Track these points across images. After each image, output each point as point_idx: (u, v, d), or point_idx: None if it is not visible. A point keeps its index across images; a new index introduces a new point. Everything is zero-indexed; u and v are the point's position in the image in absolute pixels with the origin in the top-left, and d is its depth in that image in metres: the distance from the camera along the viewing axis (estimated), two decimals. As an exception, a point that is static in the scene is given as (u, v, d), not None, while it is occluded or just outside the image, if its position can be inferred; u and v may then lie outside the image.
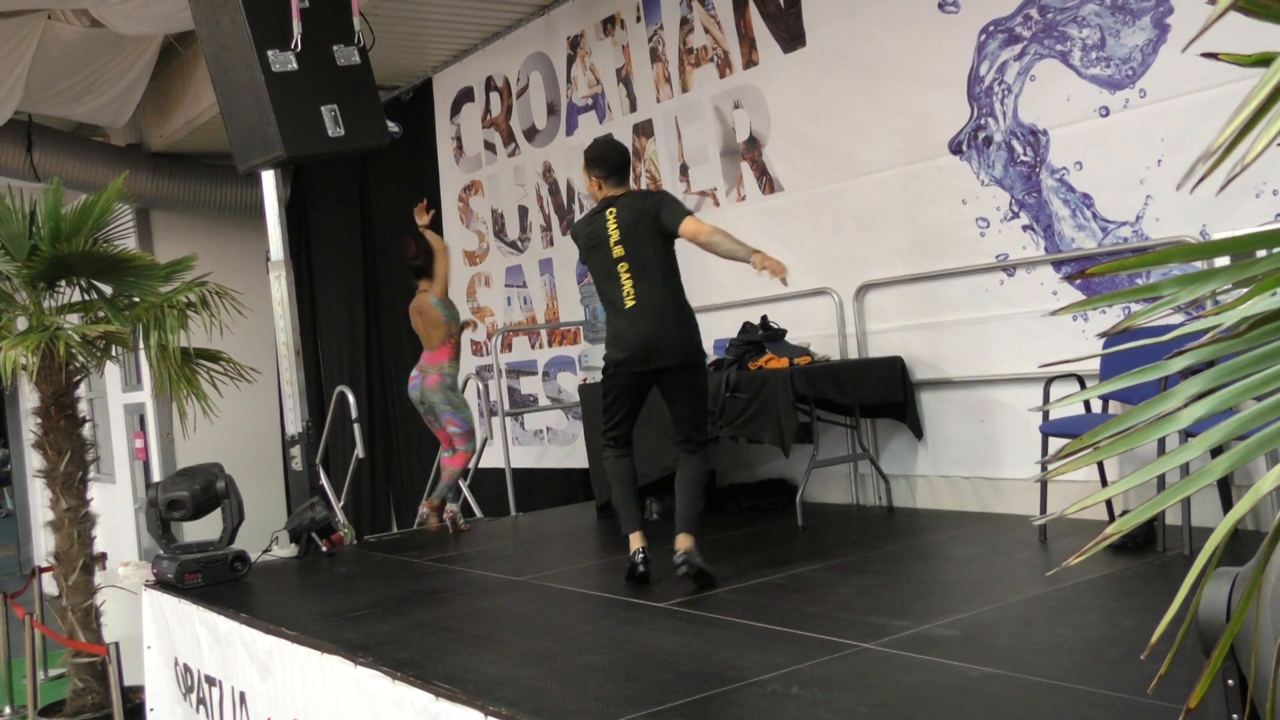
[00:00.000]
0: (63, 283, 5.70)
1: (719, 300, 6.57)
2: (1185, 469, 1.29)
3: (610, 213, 4.38)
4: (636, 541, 4.38)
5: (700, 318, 6.74)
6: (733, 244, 4.24)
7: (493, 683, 3.17)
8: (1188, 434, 1.18)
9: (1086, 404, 4.57)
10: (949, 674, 2.89)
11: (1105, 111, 4.68)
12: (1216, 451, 1.08)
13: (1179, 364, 0.94)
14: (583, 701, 2.94)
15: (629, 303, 4.31)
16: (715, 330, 6.56)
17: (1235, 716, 1.60)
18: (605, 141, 4.78)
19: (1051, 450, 4.48)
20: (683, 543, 4.21)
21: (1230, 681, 1.60)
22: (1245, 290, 0.95)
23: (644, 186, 7.11)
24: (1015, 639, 3.19)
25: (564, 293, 7.85)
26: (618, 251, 4.33)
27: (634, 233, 4.32)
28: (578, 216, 7.69)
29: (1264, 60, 0.80)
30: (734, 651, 3.29)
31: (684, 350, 4.31)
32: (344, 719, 3.63)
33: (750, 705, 2.77)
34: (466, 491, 7.92)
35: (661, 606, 3.95)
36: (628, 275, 4.32)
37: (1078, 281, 4.81)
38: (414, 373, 6.32)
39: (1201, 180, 0.78)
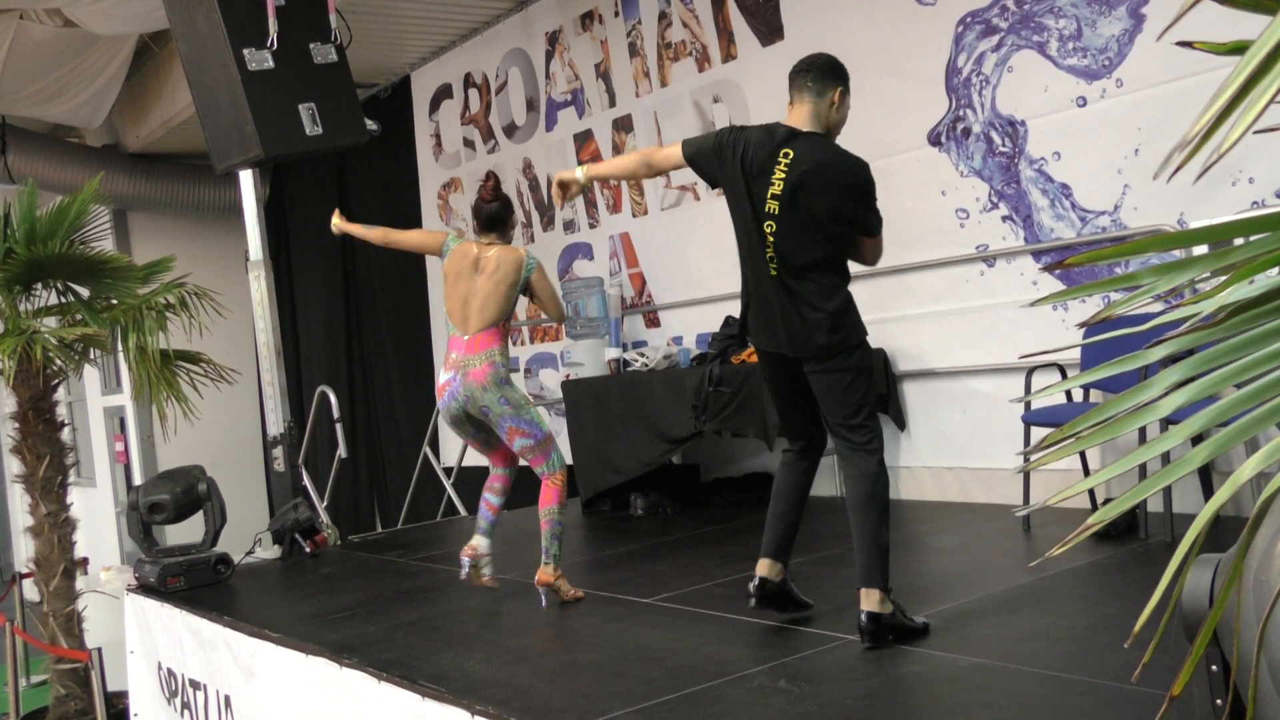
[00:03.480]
0: (39, 286, 5.65)
1: (701, 294, 6.58)
2: (1166, 457, 1.29)
3: (785, 155, 3.26)
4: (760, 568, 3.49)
5: (682, 312, 6.82)
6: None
7: (479, 682, 3.16)
8: (1168, 422, 1.19)
9: (1068, 393, 4.58)
10: (935, 664, 2.90)
11: (1083, 102, 4.69)
12: (1197, 439, 1.08)
13: (1159, 353, 0.94)
14: (569, 699, 2.94)
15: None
16: (698, 325, 6.56)
17: (1219, 702, 1.61)
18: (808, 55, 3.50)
19: (1034, 440, 4.50)
20: (863, 599, 3.20)
21: (1214, 667, 1.60)
22: (1224, 279, 0.96)
23: (624, 183, 7.10)
24: (1000, 628, 3.20)
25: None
26: (772, 208, 3.26)
27: (800, 200, 3.25)
28: (558, 213, 7.68)
29: (1238, 49, 0.80)
30: (720, 646, 3.29)
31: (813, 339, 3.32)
32: (330, 720, 3.61)
33: (737, 699, 2.77)
34: (451, 490, 7.91)
35: (647, 602, 3.95)
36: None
37: (1057, 271, 4.83)
38: (447, 374, 4.24)
39: (1178, 170, 0.78)
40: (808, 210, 3.24)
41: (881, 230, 3.43)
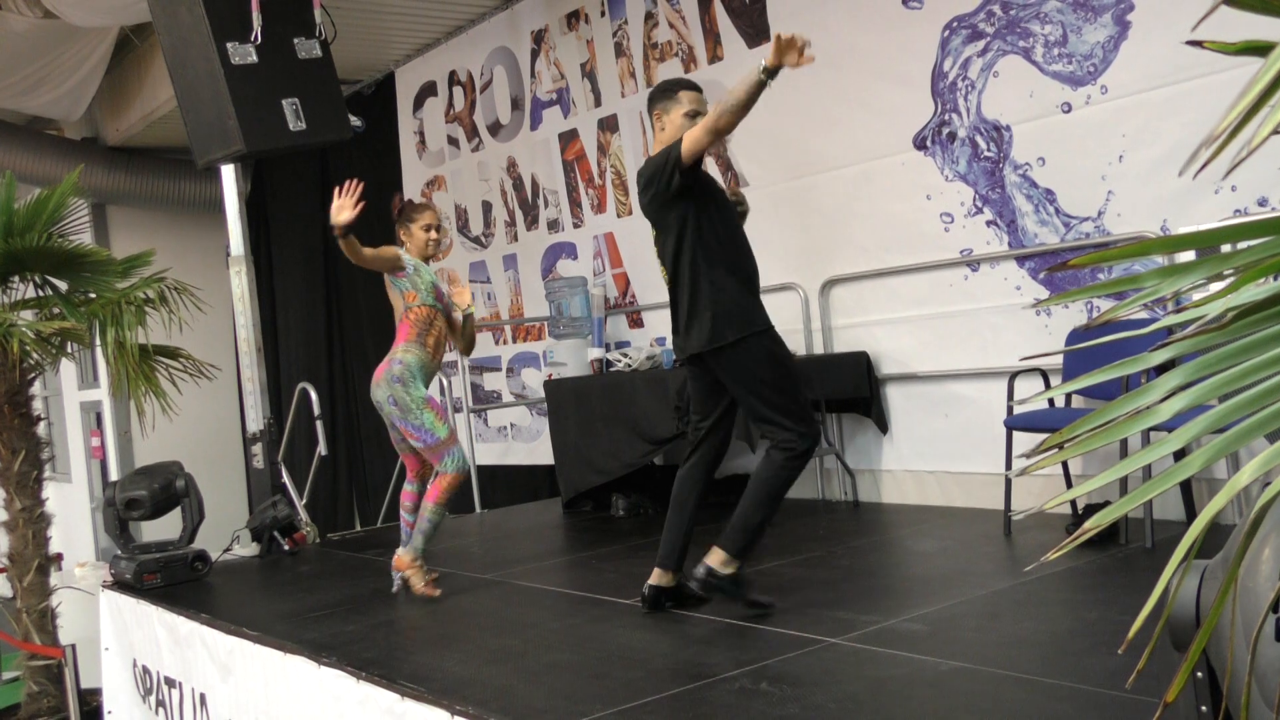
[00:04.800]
0: (16, 278, 5.59)
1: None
2: (1149, 468, 1.30)
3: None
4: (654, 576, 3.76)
5: (666, 313, 6.75)
6: (740, 91, 3.40)
7: (459, 682, 3.14)
8: (1163, 429, 1.18)
9: (1050, 398, 4.60)
10: (916, 668, 2.90)
11: (1067, 107, 4.71)
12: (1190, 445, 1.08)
13: (1160, 356, 0.93)
14: (550, 700, 2.92)
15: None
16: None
17: (1204, 709, 1.61)
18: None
19: (1017, 444, 4.51)
20: (709, 554, 3.54)
21: (1200, 674, 1.60)
22: (1223, 284, 0.95)
23: (608, 182, 7.09)
24: (982, 632, 3.20)
25: (528, 288, 7.80)
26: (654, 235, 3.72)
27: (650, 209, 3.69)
28: (542, 212, 7.66)
29: (1250, 48, 0.80)
30: (702, 648, 3.28)
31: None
32: (307, 720, 3.58)
33: (719, 702, 2.76)
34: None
35: (629, 603, 3.94)
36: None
37: (1042, 276, 4.85)
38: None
39: (1205, 166, 0.77)
40: (650, 207, 3.66)
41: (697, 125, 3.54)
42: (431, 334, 4.42)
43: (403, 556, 4.33)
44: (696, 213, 3.58)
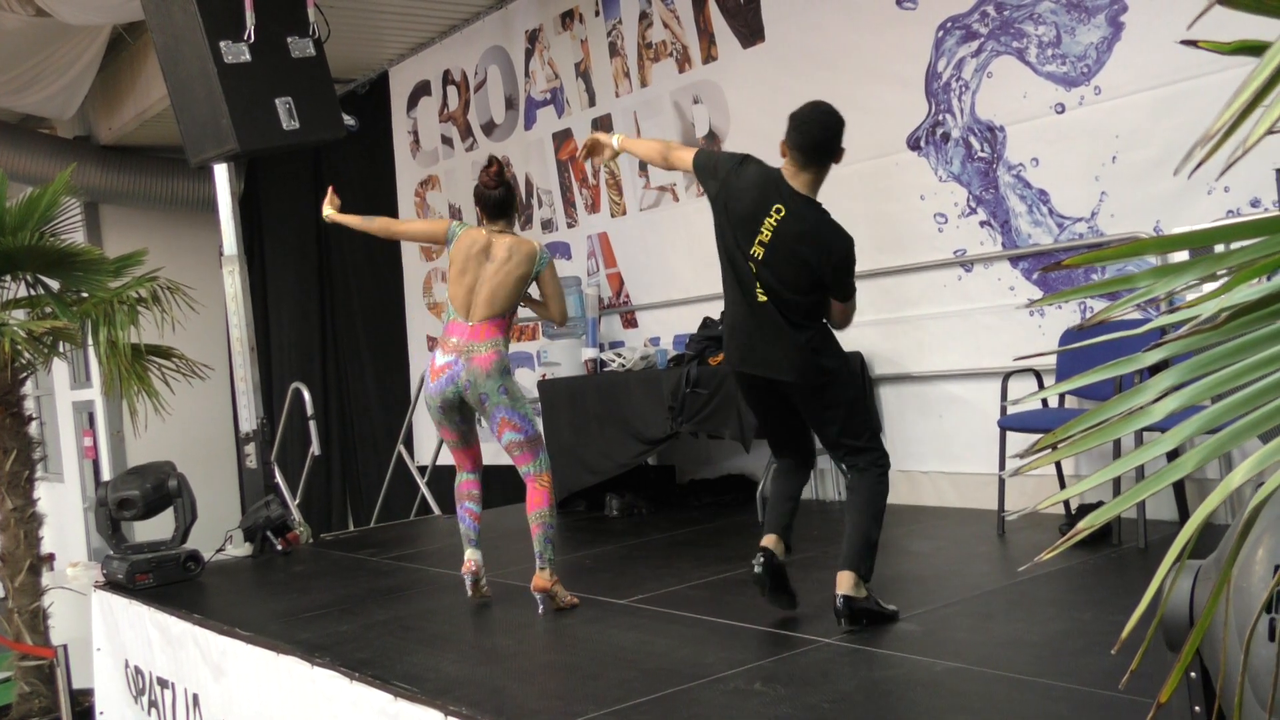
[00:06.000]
0: (8, 278, 5.57)
1: (679, 296, 6.57)
2: (1143, 466, 1.30)
3: (777, 210, 3.37)
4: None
5: (660, 313, 6.80)
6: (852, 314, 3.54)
7: (452, 682, 3.13)
8: (1157, 429, 1.18)
9: (1044, 399, 4.60)
10: (910, 669, 2.90)
11: (1061, 108, 4.71)
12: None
13: (1154, 357, 0.93)
14: (544, 700, 2.92)
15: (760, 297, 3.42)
16: (676, 326, 6.55)
17: (1198, 709, 1.61)
18: (814, 111, 3.55)
19: (1010, 444, 4.51)
20: (838, 583, 3.36)
21: (1193, 674, 1.60)
22: (1216, 284, 0.95)
23: (602, 183, 7.09)
24: (975, 633, 3.20)
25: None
26: (757, 252, 3.39)
27: (782, 253, 3.38)
28: (536, 212, 7.65)
29: (1245, 48, 0.79)
30: (696, 648, 3.28)
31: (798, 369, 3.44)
32: (300, 720, 3.57)
33: (712, 702, 2.76)
34: (425, 489, 7.86)
35: (623, 604, 3.93)
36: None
37: (1035, 277, 4.85)
38: (446, 357, 4.05)
39: (1199, 166, 0.77)
40: (789, 259, 3.35)
41: (854, 298, 3.54)
42: (514, 327, 4.21)
43: (543, 576, 3.91)
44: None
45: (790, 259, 3.34)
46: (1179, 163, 0.80)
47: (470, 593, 4.10)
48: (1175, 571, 1.02)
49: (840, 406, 3.44)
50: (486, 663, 3.36)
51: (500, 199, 4.19)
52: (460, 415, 4.12)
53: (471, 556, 4.10)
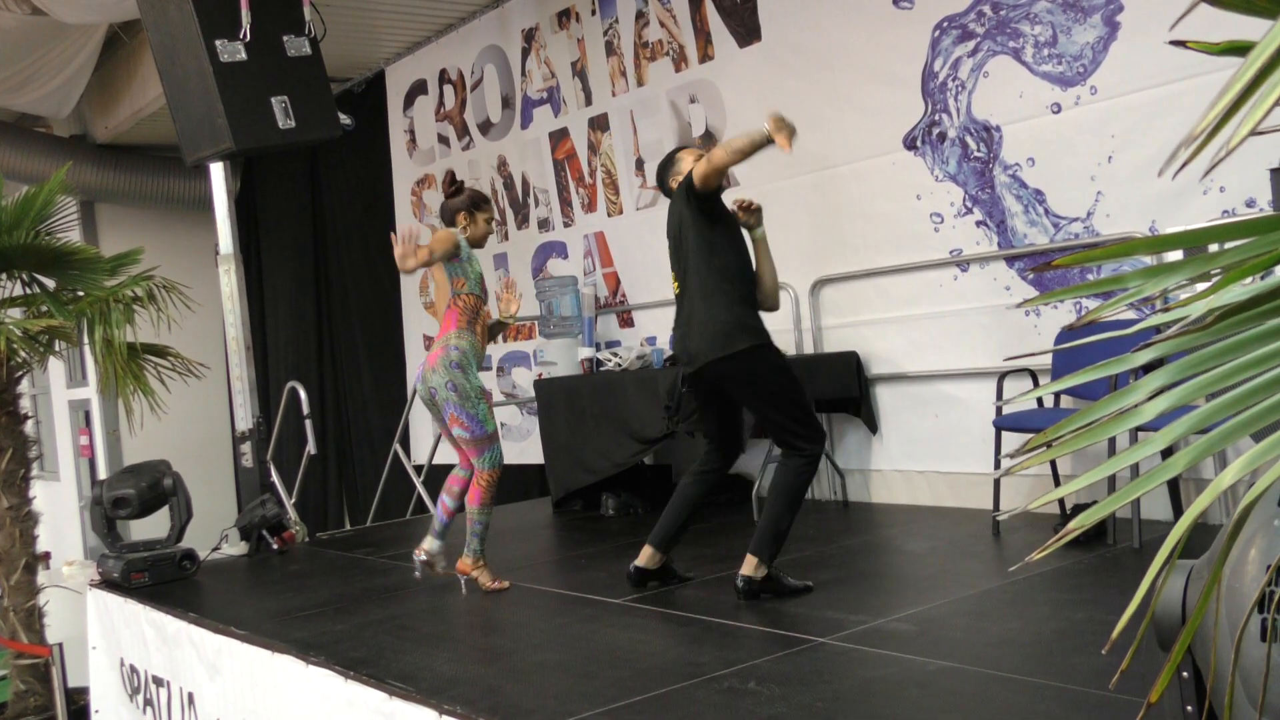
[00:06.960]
0: (3, 276, 5.56)
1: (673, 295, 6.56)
2: (1137, 466, 1.30)
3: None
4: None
5: (656, 312, 6.80)
6: (742, 141, 3.72)
7: (447, 681, 3.13)
8: (1148, 429, 1.18)
9: (1039, 398, 4.61)
10: (905, 668, 2.90)
11: (1057, 108, 4.72)
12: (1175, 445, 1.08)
13: (1144, 357, 0.93)
14: (538, 700, 2.92)
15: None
16: (672, 325, 6.54)
17: (1189, 708, 1.61)
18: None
19: (1005, 444, 4.51)
20: (744, 564, 3.77)
21: (1184, 674, 1.61)
22: (1208, 284, 0.95)
23: (599, 182, 7.09)
24: (970, 632, 3.20)
25: (519, 288, 7.79)
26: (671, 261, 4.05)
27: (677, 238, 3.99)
28: (533, 211, 7.65)
29: (1233, 49, 0.80)
30: (690, 647, 3.28)
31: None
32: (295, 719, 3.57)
33: (707, 701, 2.76)
34: (421, 488, 7.84)
35: (618, 603, 3.94)
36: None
37: (1031, 276, 4.86)
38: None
39: (1184, 166, 0.77)
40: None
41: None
42: (479, 322, 4.29)
43: (465, 561, 4.27)
44: (710, 233, 3.85)
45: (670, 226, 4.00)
46: (1163, 164, 0.80)
47: (419, 574, 4.41)
48: (1167, 571, 1.03)
49: (764, 387, 3.79)
50: (481, 662, 3.36)
51: (446, 205, 4.51)
52: (435, 411, 4.32)
53: (426, 545, 4.35)
